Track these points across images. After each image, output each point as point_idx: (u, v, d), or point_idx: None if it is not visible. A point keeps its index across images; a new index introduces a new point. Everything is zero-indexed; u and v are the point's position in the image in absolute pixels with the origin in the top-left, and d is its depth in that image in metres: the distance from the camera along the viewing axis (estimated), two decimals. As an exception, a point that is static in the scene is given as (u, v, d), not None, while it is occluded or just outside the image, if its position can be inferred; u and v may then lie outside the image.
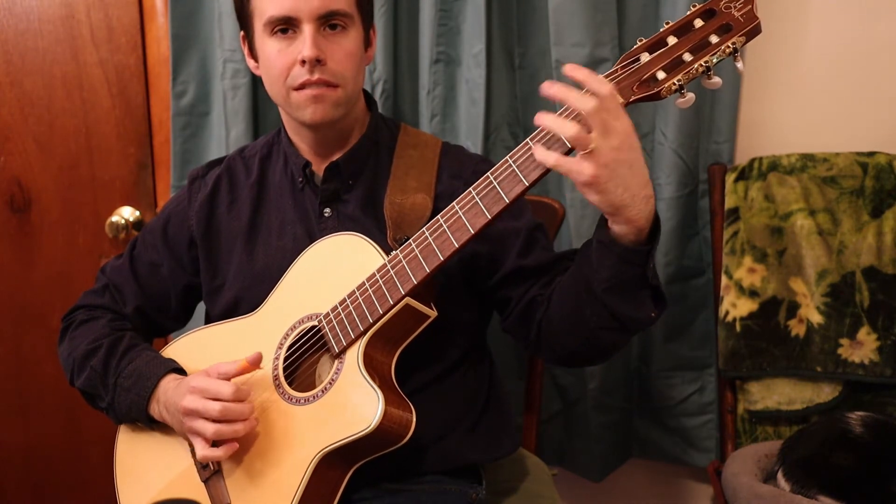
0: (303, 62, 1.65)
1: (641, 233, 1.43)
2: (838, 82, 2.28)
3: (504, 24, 2.32)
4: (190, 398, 1.61)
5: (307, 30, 1.65)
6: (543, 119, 1.36)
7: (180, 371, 1.77)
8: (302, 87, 1.68)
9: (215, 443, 1.61)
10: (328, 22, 1.68)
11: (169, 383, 1.71)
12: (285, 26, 1.67)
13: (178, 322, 2.03)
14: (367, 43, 1.80)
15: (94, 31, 2.52)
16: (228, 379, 1.62)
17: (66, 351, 1.90)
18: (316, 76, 1.66)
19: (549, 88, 1.36)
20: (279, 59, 1.68)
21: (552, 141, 1.40)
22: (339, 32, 1.69)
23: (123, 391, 1.77)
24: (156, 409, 1.73)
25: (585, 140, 1.32)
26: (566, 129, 1.33)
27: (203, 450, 1.60)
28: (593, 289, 1.51)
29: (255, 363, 1.62)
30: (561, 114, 1.39)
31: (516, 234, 1.74)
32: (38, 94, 2.57)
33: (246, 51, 1.83)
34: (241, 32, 1.82)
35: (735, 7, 1.34)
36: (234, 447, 1.60)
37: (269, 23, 1.68)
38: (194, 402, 1.60)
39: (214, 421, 1.58)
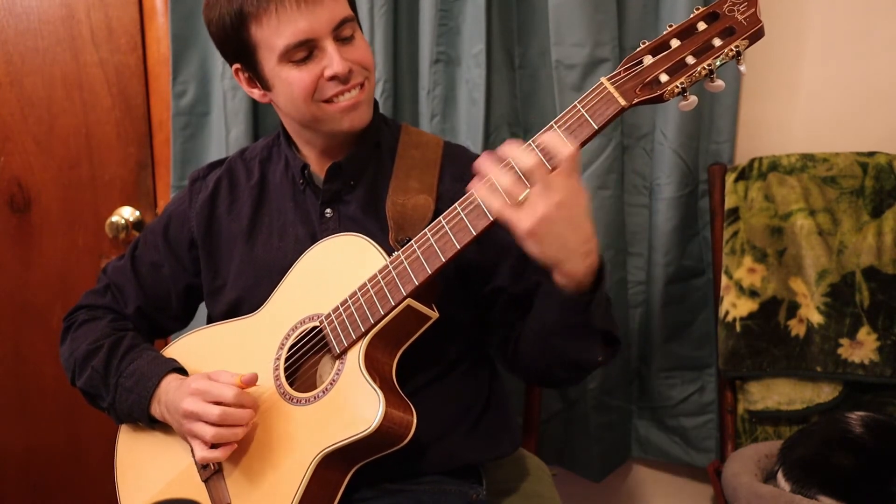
0: (333, 77, 1.64)
1: (581, 285, 1.49)
2: (838, 82, 2.28)
3: (504, 24, 2.32)
4: (190, 400, 1.61)
5: (329, 46, 1.63)
6: (484, 164, 1.44)
7: (181, 371, 1.77)
8: (332, 98, 1.66)
9: (214, 445, 1.62)
10: (341, 33, 1.65)
11: (170, 383, 1.71)
12: (306, 52, 1.64)
13: (179, 322, 2.03)
14: None
15: (94, 31, 2.52)
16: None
17: (68, 351, 1.90)
18: (350, 83, 1.66)
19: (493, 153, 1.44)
20: (303, 79, 1.65)
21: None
22: (350, 39, 1.68)
23: (125, 391, 1.77)
24: (157, 410, 1.73)
25: (516, 192, 1.39)
26: (502, 178, 1.40)
27: (202, 451, 1.61)
28: (543, 330, 1.60)
29: (250, 383, 1.62)
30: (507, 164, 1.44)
31: (507, 251, 1.71)
32: (38, 94, 2.57)
33: (243, 82, 1.78)
34: (235, 66, 1.76)
35: (738, 10, 1.34)
36: (233, 448, 1.61)
37: (287, 51, 1.63)
38: (194, 404, 1.60)
39: (213, 424, 1.59)
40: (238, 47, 1.70)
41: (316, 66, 1.64)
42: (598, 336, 1.60)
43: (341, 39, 1.66)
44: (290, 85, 1.66)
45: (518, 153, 1.40)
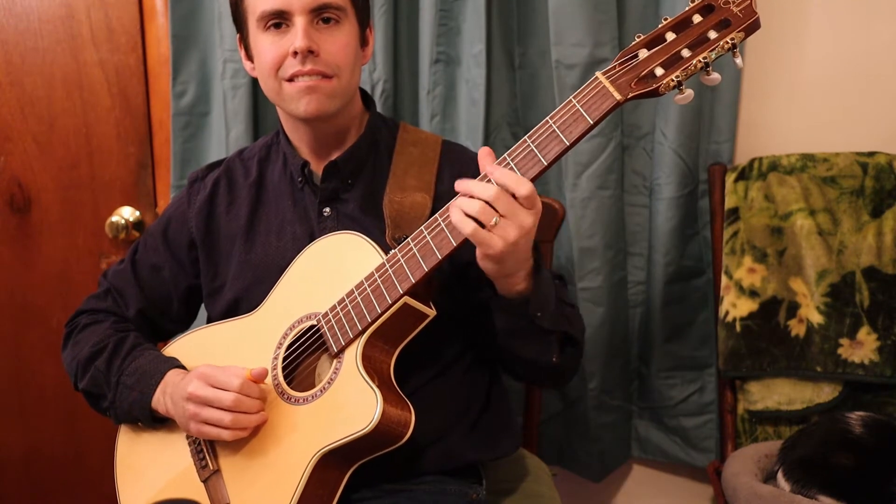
0: (294, 53, 1.65)
1: (522, 290, 1.58)
2: (838, 82, 2.27)
3: (504, 24, 2.32)
4: (196, 383, 1.61)
5: (299, 22, 1.65)
6: (461, 185, 1.47)
7: (183, 369, 1.77)
8: (293, 78, 1.68)
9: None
10: (321, 15, 1.67)
11: (175, 376, 1.72)
12: (278, 20, 1.67)
13: (180, 324, 2.02)
14: (364, 41, 1.80)
15: (94, 31, 2.52)
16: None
17: (70, 355, 1.90)
18: (309, 67, 1.66)
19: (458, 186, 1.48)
20: (271, 51, 1.68)
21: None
22: (332, 26, 1.69)
23: (126, 389, 1.77)
24: (161, 402, 1.72)
25: (489, 215, 1.41)
26: (470, 206, 1.43)
27: (219, 433, 1.61)
28: (498, 334, 1.67)
29: (260, 377, 1.62)
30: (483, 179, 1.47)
31: None
32: (38, 94, 2.57)
33: (242, 53, 1.83)
34: (238, 35, 1.82)
35: (734, 2, 1.34)
36: (247, 432, 1.63)
37: (262, 18, 1.68)
38: (201, 388, 1.60)
39: (228, 410, 1.59)
40: (237, 14, 1.77)
41: (287, 42, 1.67)
42: (551, 337, 1.65)
43: (321, 21, 1.68)
44: (261, 54, 1.72)
45: (485, 190, 1.43)
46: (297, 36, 1.65)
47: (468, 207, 1.42)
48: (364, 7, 1.79)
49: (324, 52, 1.67)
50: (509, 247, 1.43)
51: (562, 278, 1.85)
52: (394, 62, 2.34)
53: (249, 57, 1.80)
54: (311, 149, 1.82)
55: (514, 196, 1.42)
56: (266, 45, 1.69)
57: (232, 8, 1.79)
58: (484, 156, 1.49)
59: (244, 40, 1.79)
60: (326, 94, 1.69)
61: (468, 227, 1.42)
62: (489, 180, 1.45)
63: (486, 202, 1.41)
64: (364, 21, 1.79)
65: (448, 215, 1.49)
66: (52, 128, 2.59)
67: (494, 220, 1.41)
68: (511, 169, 1.44)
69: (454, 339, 1.77)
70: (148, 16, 2.53)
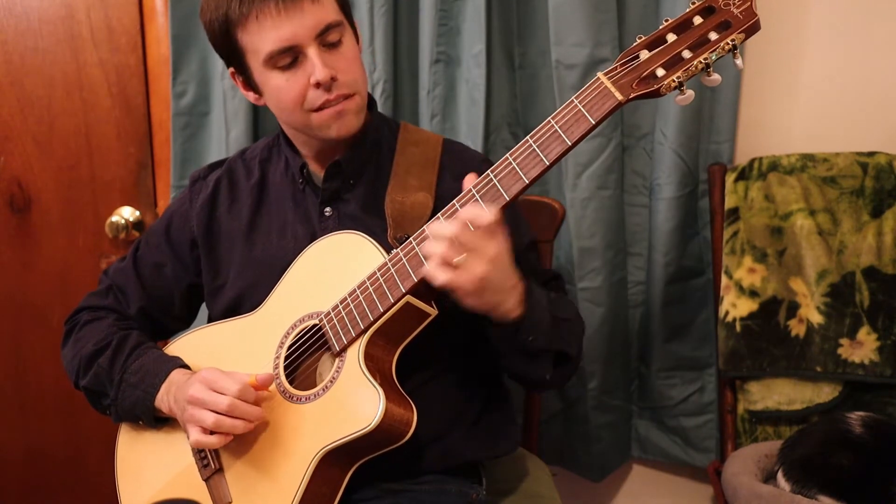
0: (317, 85, 1.64)
1: (513, 315, 1.55)
2: (838, 83, 2.28)
3: (504, 24, 2.32)
4: (197, 387, 1.61)
5: (312, 53, 1.63)
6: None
7: (187, 368, 1.76)
8: (322, 107, 1.67)
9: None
10: (326, 37, 1.65)
11: (180, 376, 1.71)
12: (288, 56, 1.65)
13: (182, 323, 2.02)
14: (357, 39, 1.80)
15: (94, 31, 2.52)
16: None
17: (72, 352, 1.89)
18: (334, 94, 1.65)
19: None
20: (290, 88, 1.66)
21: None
22: (337, 45, 1.68)
23: (129, 387, 1.77)
24: (164, 401, 1.72)
25: (449, 258, 1.42)
26: (434, 248, 1.44)
27: (197, 435, 1.60)
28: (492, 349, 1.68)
29: (265, 383, 1.62)
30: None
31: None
32: (38, 94, 2.57)
33: (240, 85, 1.80)
34: (230, 69, 1.78)
35: (734, 4, 1.35)
36: (228, 438, 1.61)
37: (271, 58, 1.65)
38: (200, 391, 1.60)
39: (218, 413, 1.58)
40: (229, 51, 1.72)
41: (302, 75, 1.65)
42: (545, 356, 1.64)
43: (327, 45, 1.66)
44: (278, 92, 1.69)
45: (444, 228, 1.43)
46: (315, 67, 1.63)
47: (431, 249, 1.44)
48: (348, 8, 1.77)
49: (341, 74, 1.66)
50: (480, 282, 1.43)
51: (558, 278, 1.86)
52: (394, 62, 2.35)
53: (251, 88, 1.77)
54: (315, 152, 1.82)
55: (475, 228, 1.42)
56: (281, 84, 1.67)
57: (216, 41, 1.74)
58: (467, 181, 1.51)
59: (242, 74, 1.75)
60: (353, 113, 1.70)
61: (441, 277, 1.43)
62: (451, 215, 1.47)
63: (451, 240, 1.42)
64: (351, 19, 1.77)
65: (450, 215, 1.50)
66: (52, 128, 2.59)
67: (460, 258, 1.42)
68: (513, 168, 1.45)
69: (455, 338, 1.76)
70: (148, 16, 2.53)
